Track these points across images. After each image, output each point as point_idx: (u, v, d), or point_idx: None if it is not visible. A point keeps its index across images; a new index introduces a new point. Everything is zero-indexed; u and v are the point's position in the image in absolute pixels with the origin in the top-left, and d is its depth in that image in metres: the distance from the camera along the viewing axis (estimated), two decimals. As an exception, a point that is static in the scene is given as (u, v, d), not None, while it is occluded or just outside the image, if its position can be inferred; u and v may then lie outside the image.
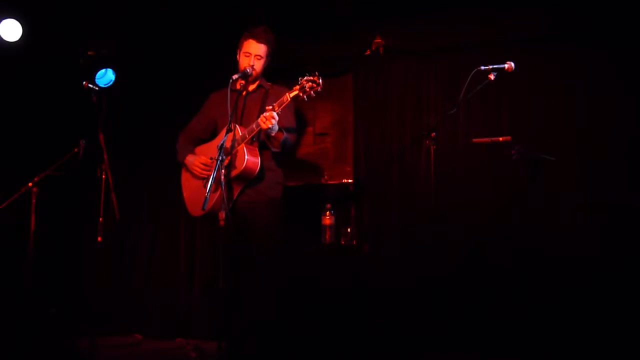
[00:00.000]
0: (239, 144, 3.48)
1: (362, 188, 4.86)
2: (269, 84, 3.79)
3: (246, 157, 3.47)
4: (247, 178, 3.53)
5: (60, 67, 5.30)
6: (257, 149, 3.55)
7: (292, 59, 4.81)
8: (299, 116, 4.63)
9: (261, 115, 3.39)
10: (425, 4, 4.64)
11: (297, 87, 3.35)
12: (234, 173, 3.49)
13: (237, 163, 3.48)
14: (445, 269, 4.33)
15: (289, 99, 3.39)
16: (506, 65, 3.48)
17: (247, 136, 3.47)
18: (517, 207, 4.31)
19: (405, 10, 4.71)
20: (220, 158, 3.24)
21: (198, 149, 3.81)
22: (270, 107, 3.38)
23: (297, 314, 4.29)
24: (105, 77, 4.94)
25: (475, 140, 4.30)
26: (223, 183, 3.27)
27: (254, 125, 3.45)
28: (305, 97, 3.35)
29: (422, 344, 4.27)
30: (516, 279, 4.22)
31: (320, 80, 3.31)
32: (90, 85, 4.20)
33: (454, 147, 4.57)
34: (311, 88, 3.31)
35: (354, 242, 4.66)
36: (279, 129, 3.51)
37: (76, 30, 5.14)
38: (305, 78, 3.33)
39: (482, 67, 3.49)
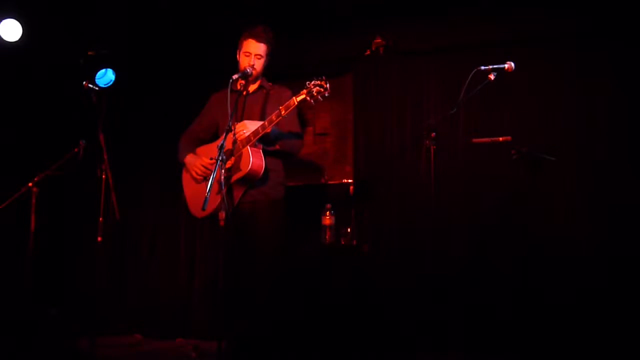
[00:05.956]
0: (243, 146, 3.44)
1: (362, 188, 4.85)
2: (270, 84, 3.77)
3: (251, 159, 3.42)
4: (251, 180, 3.49)
5: (60, 67, 5.30)
6: (261, 151, 3.51)
7: (292, 59, 4.81)
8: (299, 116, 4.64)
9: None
10: (425, 3, 4.64)
11: (305, 91, 3.27)
12: (238, 175, 3.45)
13: (242, 165, 3.44)
14: (445, 269, 4.33)
15: (296, 104, 3.32)
16: (506, 65, 3.48)
17: (252, 139, 3.43)
18: (517, 207, 4.31)
19: (405, 10, 4.71)
20: (220, 158, 3.22)
21: (199, 150, 3.80)
22: (277, 111, 3.36)
23: (297, 314, 4.29)
24: (105, 77, 4.94)
25: (475, 140, 4.29)
26: (224, 184, 3.25)
27: (259, 128, 3.41)
28: (312, 101, 3.27)
29: (422, 344, 4.28)
30: (516, 279, 4.22)
31: (328, 85, 3.23)
32: (90, 85, 4.20)
33: (454, 147, 4.57)
34: (319, 92, 3.23)
35: (354, 242, 4.66)
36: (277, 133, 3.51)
37: (76, 30, 5.14)
38: (312, 82, 3.25)
39: (482, 67, 3.49)
